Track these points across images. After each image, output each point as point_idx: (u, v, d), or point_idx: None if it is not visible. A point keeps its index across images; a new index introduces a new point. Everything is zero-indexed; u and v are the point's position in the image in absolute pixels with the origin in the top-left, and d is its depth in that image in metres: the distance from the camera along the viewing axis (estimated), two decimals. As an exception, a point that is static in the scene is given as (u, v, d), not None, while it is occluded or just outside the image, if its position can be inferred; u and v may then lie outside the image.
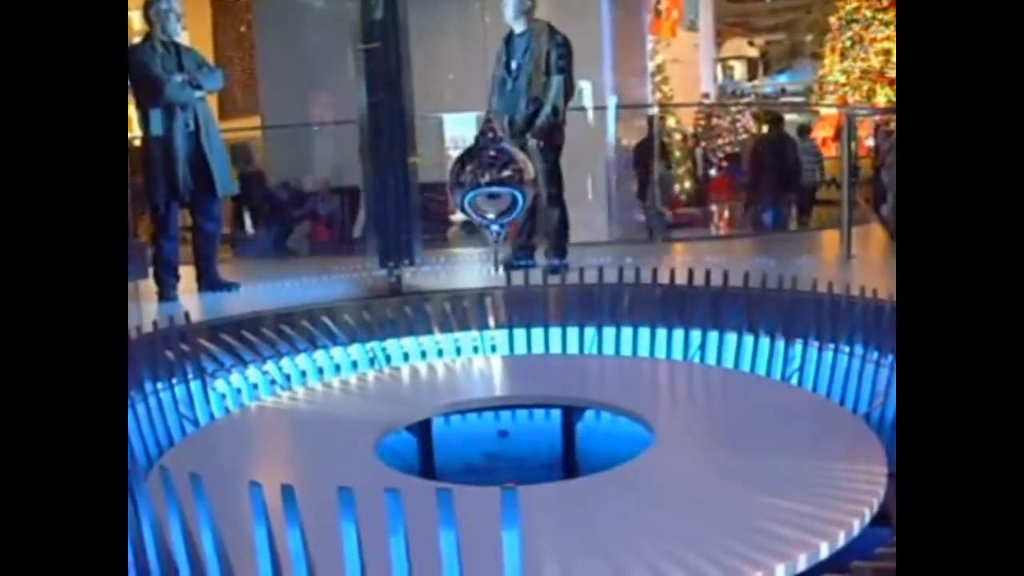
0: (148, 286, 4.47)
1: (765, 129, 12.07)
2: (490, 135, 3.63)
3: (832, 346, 3.07)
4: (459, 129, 7.29)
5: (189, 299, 4.43)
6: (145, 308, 4.05)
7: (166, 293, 4.47)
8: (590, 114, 8.08)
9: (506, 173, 3.58)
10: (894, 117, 8.94)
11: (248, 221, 8.72)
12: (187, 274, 4.68)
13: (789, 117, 11.82)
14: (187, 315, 3.32)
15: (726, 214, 10.29)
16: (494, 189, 3.58)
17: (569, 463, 2.97)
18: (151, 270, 4.68)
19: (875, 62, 13.44)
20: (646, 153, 8.08)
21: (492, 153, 3.59)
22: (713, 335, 3.39)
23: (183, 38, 4.68)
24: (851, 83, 13.68)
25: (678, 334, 3.44)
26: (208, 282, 4.69)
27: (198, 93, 4.46)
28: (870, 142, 9.00)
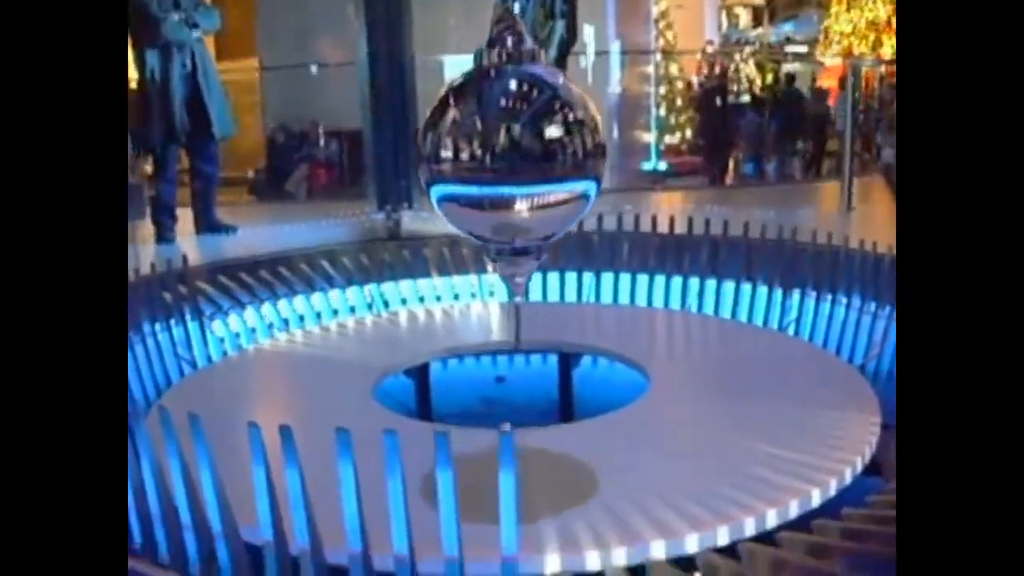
0: (146, 228, 4.47)
1: (770, 79, 11.96)
2: (507, 42, 1.68)
3: (829, 297, 3.08)
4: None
5: (187, 241, 4.42)
6: (143, 250, 4.05)
7: (164, 235, 4.46)
8: (591, 59, 7.99)
9: (554, 133, 1.61)
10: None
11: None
12: (185, 216, 4.66)
13: (794, 67, 11.72)
14: (185, 257, 3.31)
15: (729, 164, 10.22)
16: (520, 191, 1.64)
17: (565, 408, 2.99)
18: (148, 212, 4.66)
19: (882, 12, 13.26)
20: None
21: (515, 87, 1.66)
22: (711, 284, 3.39)
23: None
24: (857, 33, 13.51)
25: (676, 282, 3.44)
26: (206, 224, 4.68)
27: (195, 32, 4.40)
28: (875, 94, 8.92)
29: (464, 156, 1.60)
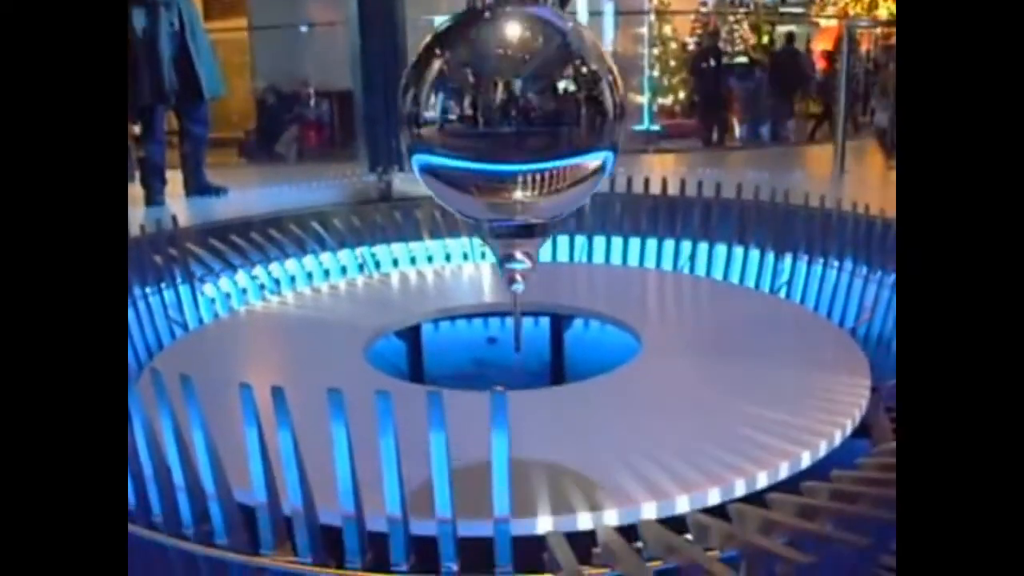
0: (135, 190, 4.43)
1: (765, 40, 11.84)
2: None
3: (821, 260, 3.08)
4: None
5: (176, 203, 4.39)
6: (132, 213, 4.02)
7: (153, 197, 4.42)
8: (584, 21, 7.92)
9: (566, 89, 1.35)
10: (895, 30, 8.80)
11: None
12: (174, 179, 4.62)
13: (789, 29, 11.61)
14: (175, 219, 3.29)
15: (723, 126, 10.16)
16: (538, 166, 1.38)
17: (557, 370, 3.00)
18: (137, 174, 4.62)
19: (878, -27, 13.13)
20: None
21: (516, 32, 1.36)
22: (703, 246, 3.39)
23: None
24: (853, -6, 13.39)
25: (668, 245, 3.44)
26: (196, 186, 4.64)
27: (182, -10, 4.33)
28: (869, 56, 8.88)
29: (453, 117, 1.33)
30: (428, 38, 1.41)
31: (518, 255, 1.53)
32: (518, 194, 1.38)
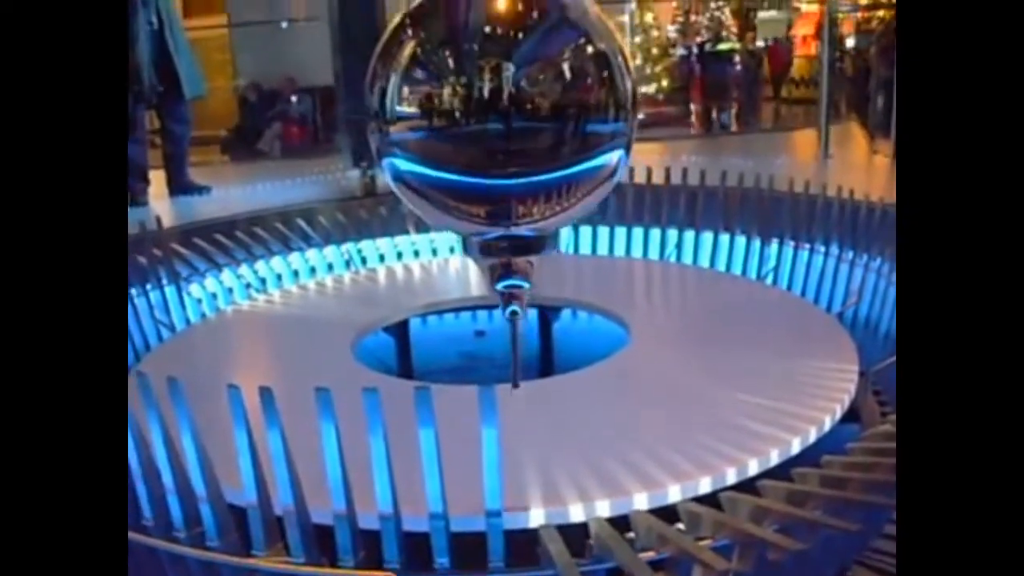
0: (118, 190, 4.40)
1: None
2: None
3: (807, 246, 3.09)
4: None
5: (160, 203, 4.36)
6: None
7: (136, 198, 4.39)
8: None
9: (569, 74, 1.08)
10: (876, 15, 8.82)
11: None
12: (157, 178, 4.60)
13: (769, 15, 11.64)
14: (158, 220, 3.27)
15: (707, 113, 10.18)
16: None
17: (545, 362, 3.00)
18: (120, 174, 4.59)
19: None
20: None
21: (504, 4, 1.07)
22: (689, 234, 3.39)
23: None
24: (833, -22, 13.39)
25: (654, 233, 3.44)
26: (179, 186, 4.62)
27: (160, -12, 4.29)
28: (851, 41, 8.90)
29: (429, 111, 1.07)
30: (398, 17, 1.15)
31: (513, 273, 1.28)
32: (512, 209, 1.13)
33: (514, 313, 1.32)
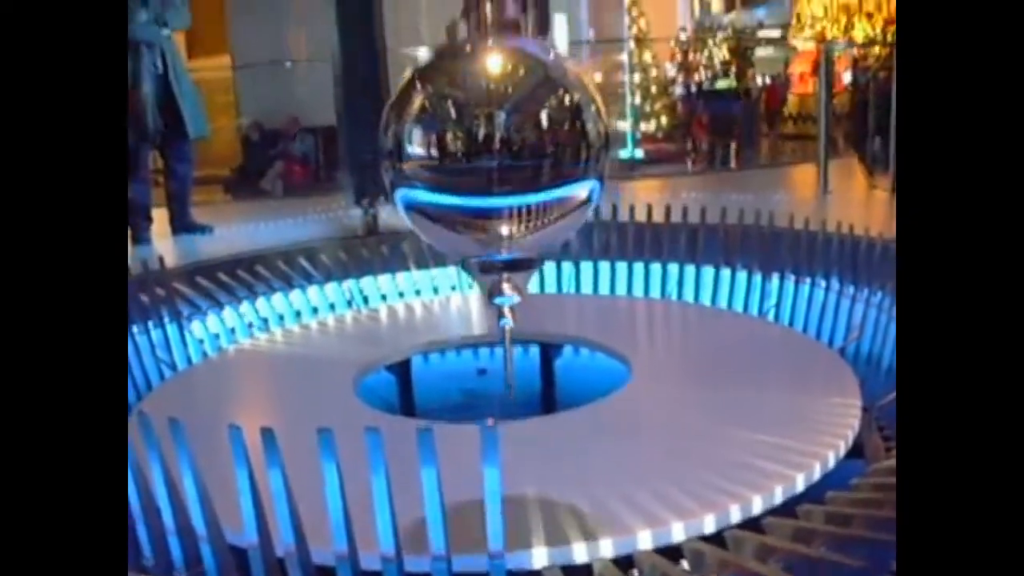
0: (121, 229, 4.41)
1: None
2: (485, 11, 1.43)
3: (808, 281, 3.09)
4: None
5: (163, 242, 4.38)
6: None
7: (139, 236, 4.40)
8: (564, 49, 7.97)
9: (549, 120, 1.37)
10: (872, 51, 8.91)
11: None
12: (160, 217, 4.62)
13: (768, 52, 11.76)
14: (161, 259, 3.28)
15: (703, 150, 10.25)
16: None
17: (548, 399, 2.99)
18: (123, 213, 4.61)
19: (855, -5, 13.30)
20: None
21: (497, 65, 1.39)
22: (690, 271, 3.39)
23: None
24: (829, 17, 13.55)
25: (656, 270, 3.44)
26: (181, 225, 4.63)
27: (164, 31, 4.34)
28: (847, 77, 8.97)
29: (435, 151, 1.34)
30: (408, 72, 1.42)
31: (506, 289, 1.50)
32: (504, 229, 1.39)
33: (506, 318, 1.55)
